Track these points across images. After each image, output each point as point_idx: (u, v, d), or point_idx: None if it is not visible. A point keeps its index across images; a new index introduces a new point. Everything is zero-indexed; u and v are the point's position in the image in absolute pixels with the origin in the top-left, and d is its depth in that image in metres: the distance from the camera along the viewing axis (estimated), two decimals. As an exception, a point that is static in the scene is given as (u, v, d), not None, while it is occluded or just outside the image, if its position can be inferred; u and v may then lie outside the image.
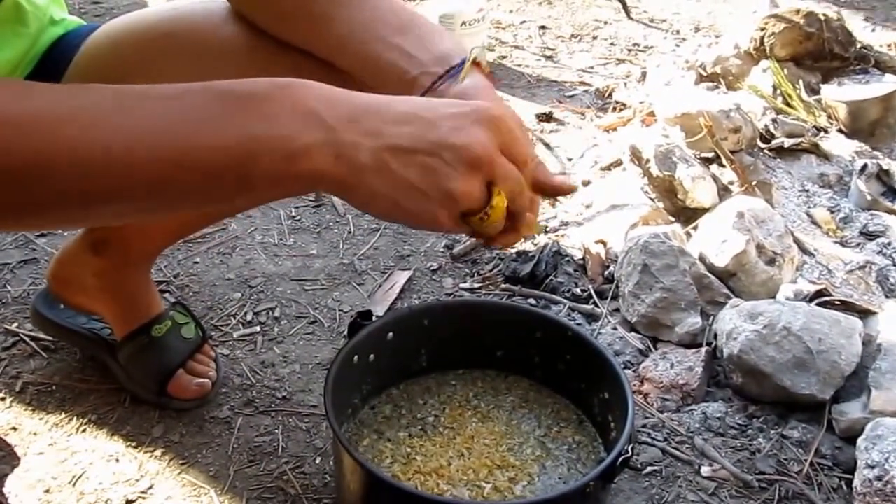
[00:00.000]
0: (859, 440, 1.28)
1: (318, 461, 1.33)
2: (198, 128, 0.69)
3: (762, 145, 1.96)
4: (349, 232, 1.87)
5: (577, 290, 1.67)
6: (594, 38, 2.85)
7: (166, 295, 1.65)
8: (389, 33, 0.94)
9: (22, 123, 0.65)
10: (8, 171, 0.65)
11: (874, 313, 1.50)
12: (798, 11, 2.14)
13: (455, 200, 0.75)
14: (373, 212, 0.77)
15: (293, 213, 1.92)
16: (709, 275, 1.57)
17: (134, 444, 1.36)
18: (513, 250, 1.79)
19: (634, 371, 1.49)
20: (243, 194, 0.74)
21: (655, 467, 1.33)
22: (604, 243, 1.76)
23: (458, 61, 0.91)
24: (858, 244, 1.76)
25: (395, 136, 0.72)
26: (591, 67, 2.65)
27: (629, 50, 2.76)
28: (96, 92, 0.70)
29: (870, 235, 1.78)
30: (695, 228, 1.72)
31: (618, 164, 2.01)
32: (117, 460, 1.33)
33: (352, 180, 0.73)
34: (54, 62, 1.12)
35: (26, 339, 1.54)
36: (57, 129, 0.66)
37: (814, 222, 1.83)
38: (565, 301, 1.65)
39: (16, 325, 1.58)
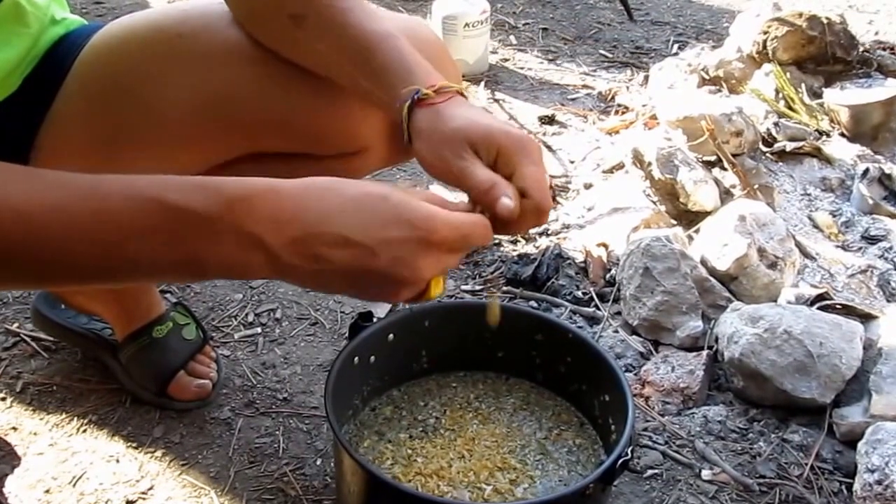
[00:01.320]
0: (860, 444, 1.28)
1: (318, 462, 1.33)
2: (148, 245, 0.73)
3: (764, 149, 1.96)
4: (351, 233, 1.87)
5: (579, 293, 1.67)
6: (597, 40, 2.85)
7: (167, 295, 1.65)
8: (360, 76, 0.99)
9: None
10: None
11: (875, 317, 1.50)
12: (801, 15, 2.14)
13: (401, 300, 0.82)
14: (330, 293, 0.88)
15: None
16: (710, 278, 1.57)
17: (134, 444, 1.36)
18: (514, 252, 1.79)
19: (635, 374, 1.49)
20: (193, 282, 0.86)
21: (656, 470, 1.33)
22: (605, 246, 1.76)
23: (403, 114, 0.94)
24: (860, 248, 1.76)
25: (335, 261, 0.76)
26: (594, 70, 2.65)
27: (632, 53, 2.76)
28: (46, 183, 0.73)
29: (871, 240, 1.77)
30: (696, 232, 1.72)
31: (620, 167, 2.01)
32: (118, 461, 1.33)
33: (293, 283, 0.81)
34: (56, 62, 1.12)
35: (27, 339, 1.54)
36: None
37: (815, 226, 1.82)
38: (566, 304, 1.65)
39: (17, 325, 1.58)
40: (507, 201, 0.85)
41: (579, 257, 1.76)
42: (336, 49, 1.00)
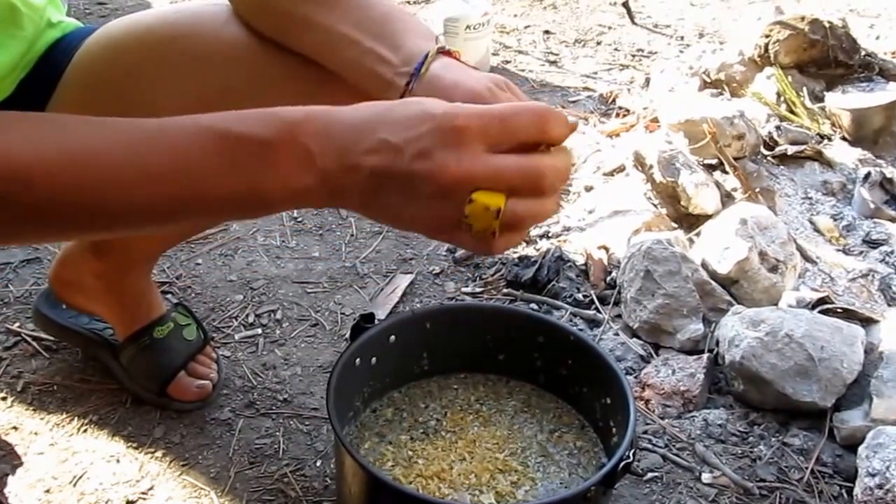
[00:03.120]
0: (860, 448, 1.28)
1: (318, 464, 1.33)
2: (209, 176, 0.75)
3: (765, 152, 1.96)
4: (351, 235, 1.87)
5: (579, 296, 1.67)
6: (598, 43, 2.86)
7: (168, 296, 1.65)
8: (364, 37, 0.97)
9: (48, 159, 0.72)
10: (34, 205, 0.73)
11: (876, 321, 1.50)
12: (803, 18, 2.14)
13: (435, 217, 0.75)
14: (380, 220, 0.81)
15: (295, 215, 1.92)
16: (711, 281, 1.57)
17: (135, 444, 1.36)
18: (514, 255, 1.79)
19: (636, 377, 1.49)
20: (259, 215, 0.84)
21: (656, 473, 1.33)
22: (606, 249, 1.76)
23: (421, 58, 0.93)
24: (861, 252, 1.76)
25: (369, 168, 0.74)
26: (595, 73, 2.65)
27: (633, 55, 2.77)
28: (113, 128, 0.76)
29: (872, 244, 1.78)
30: (697, 235, 1.72)
31: (621, 169, 2.01)
32: (118, 461, 1.33)
33: (352, 207, 0.78)
34: (51, 65, 1.11)
35: (28, 338, 1.54)
36: (68, 167, 0.73)
37: (816, 230, 1.83)
38: (567, 306, 1.65)
39: (17, 324, 1.58)
40: (565, 112, 0.85)
41: (580, 260, 1.76)
42: (340, 18, 0.99)
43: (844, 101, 2.07)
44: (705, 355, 1.48)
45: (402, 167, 0.73)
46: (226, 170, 0.75)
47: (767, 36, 2.15)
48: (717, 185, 1.83)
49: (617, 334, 1.59)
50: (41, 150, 0.73)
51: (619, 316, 1.63)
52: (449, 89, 0.91)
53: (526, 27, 2.95)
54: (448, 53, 0.95)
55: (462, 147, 0.73)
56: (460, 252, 1.79)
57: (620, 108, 2.40)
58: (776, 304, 1.54)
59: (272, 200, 0.76)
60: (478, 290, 1.72)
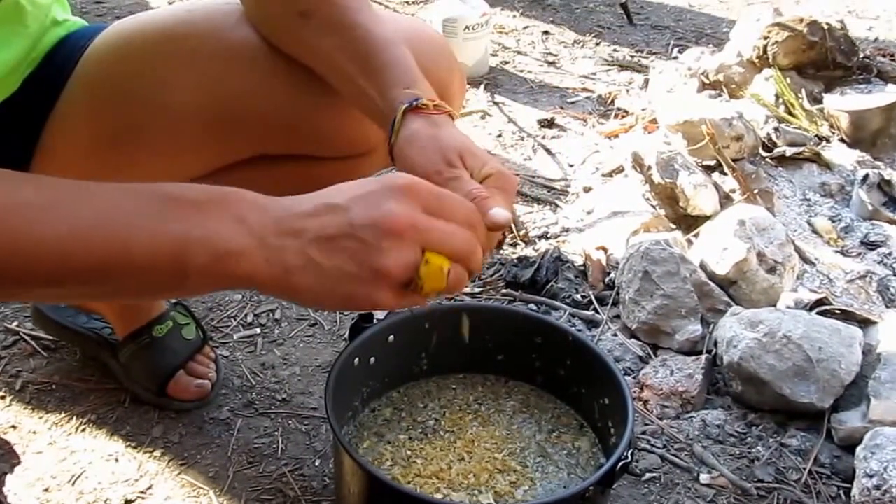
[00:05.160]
0: (858, 449, 1.28)
1: (317, 463, 1.34)
2: (136, 224, 0.72)
3: (764, 154, 1.96)
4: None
5: (578, 296, 1.67)
6: (597, 44, 2.86)
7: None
8: (357, 74, 0.99)
9: None
10: None
11: (874, 323, 1.50)
12: (801, 20, 2.14)
13: (387, 276, 0.73)
14: (316, 305, 0.79)
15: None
16: (709, 282, 1.57)
17: (133, 444, 1.36)
18: (514, 255, 1.79)
19: (634, 378, 1.49)
20: (180, 289, 0.79)
21: (654, 474, 1.33)
22: (605, 250, 1.76)
23: (392, 117, 0.94)
24: (859, 254, 1.77)
25: (314, 229, 0.73)
26: (594, 74, 2.66)
27: (632, 57, 2.77)
28: (47, 185, 0.73)
29: (870, 245, 1.78)
30: (696, 236, 1.72)
31: (619, 170, 2.01)
32: (117, 460, 1.33)
33: (286, 282, 0.74)
34: (58, 64, 1.11)
35: (27, 337, 1.54)
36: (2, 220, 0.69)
37: (815, 231, 1.83)
38: (566, 307, 1.65)
39: (16, 323, 1.58)
40: (501, 210, 0.84)
41: (578, 261, 1.76)
42: (339, 46, 1.00)
43: (843, 103, 2.07)
44: (703, 356, 1.49)
45: (350, 219, 0.73)
46: (154, 219, 0.72)
47: (766, 37, 2.15)
48: (716, 186, 1.83)
49: (615, 335, 1.59)
50: None
51: (618, 316, 1.63)
52: (413, 160, 0.92)
53: (525, 28, 2.95)
54: (416, 109, 0.94)
55: (408, 199, 0.74)
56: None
57: (619, 109, 2.41)
58: (774, 306, 1.54)
59: (197, 260, 0.71)
60: (477, 290, 1.72)
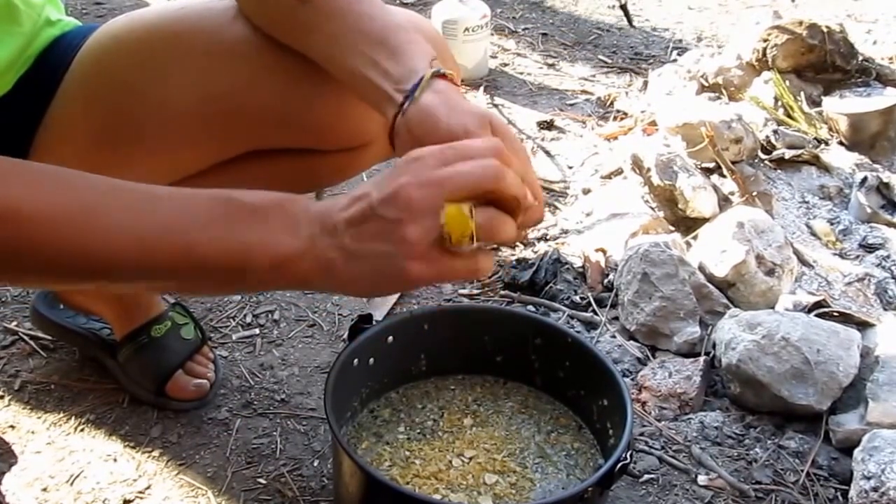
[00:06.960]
0: (856, 451, 1.28)
1: (315, 464, 1.34)
2: (202, 229, 0.78)
3: (763, 156, 1.96)
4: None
5: (577, 298, 1.67)
6: (596, 46, 2.86)
7: (166, 295, 1.64)
8: (367, 48, 0.97)
9: (37, 219, 0.74)
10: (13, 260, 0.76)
11: (872, 325, 1.51)
12: (801, 23, 2.14)
13: (412, 244, 0.77)
14: (361, 292, 0.86)
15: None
16: (708, 284, 1.58)
17: (132, 444, 1.36)
18: (513, 256, 1.79)
19: (632, 379, 1.49)
20: (235, 289, 0.95)
21: (652, 475, 1.33)
22: (604, 251, 1.76)
23: (417, 80, 0.93)
24: (857, 256, 1.77)
25: (345, 220, 0.79)
26: (593, 76, 2.66)
27: (631, 59, 2.77)
28: (117, 189, 0.79)
29: (869, 248, 1.78)
30: (695, 238, 1.72)
31: (618, 172, 2.01)
32: (115, 460, 1.33)
33: (335, 277, 0.80)
34: (51, 63, 1.11)
35: (25, 337, 1.54)
36: (67, 225, 0.76)
37: (813, 234, 1.83)
38: (564, 308, 1.65)
39: (15, 323, 1.58)
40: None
41: (577, 262, 1.76)
42: (346, 30, 0.98)
43: (842, 106, 2.08)
44: (702, 358, 1.49)
45: (368, 204, 0.78)
46: (220, 224, 0.78)
47: (765, 40, 2.16)
48: (715, 188, 1.83)
49: (614, 336, 1.59)
50: (41, 198, 0.75)
51: (617, 318, 1.63)
52: (440, 120, 0.91)
53: (524, 29, 2.95)
54: (444, 77, 0.94)
55: (418, 165, 0.78)
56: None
57: (618, 111, 2.41)
58: (773, 308, 1.55)
59: (258, 266, 0.78)
60: (475, 291, 1.72)
